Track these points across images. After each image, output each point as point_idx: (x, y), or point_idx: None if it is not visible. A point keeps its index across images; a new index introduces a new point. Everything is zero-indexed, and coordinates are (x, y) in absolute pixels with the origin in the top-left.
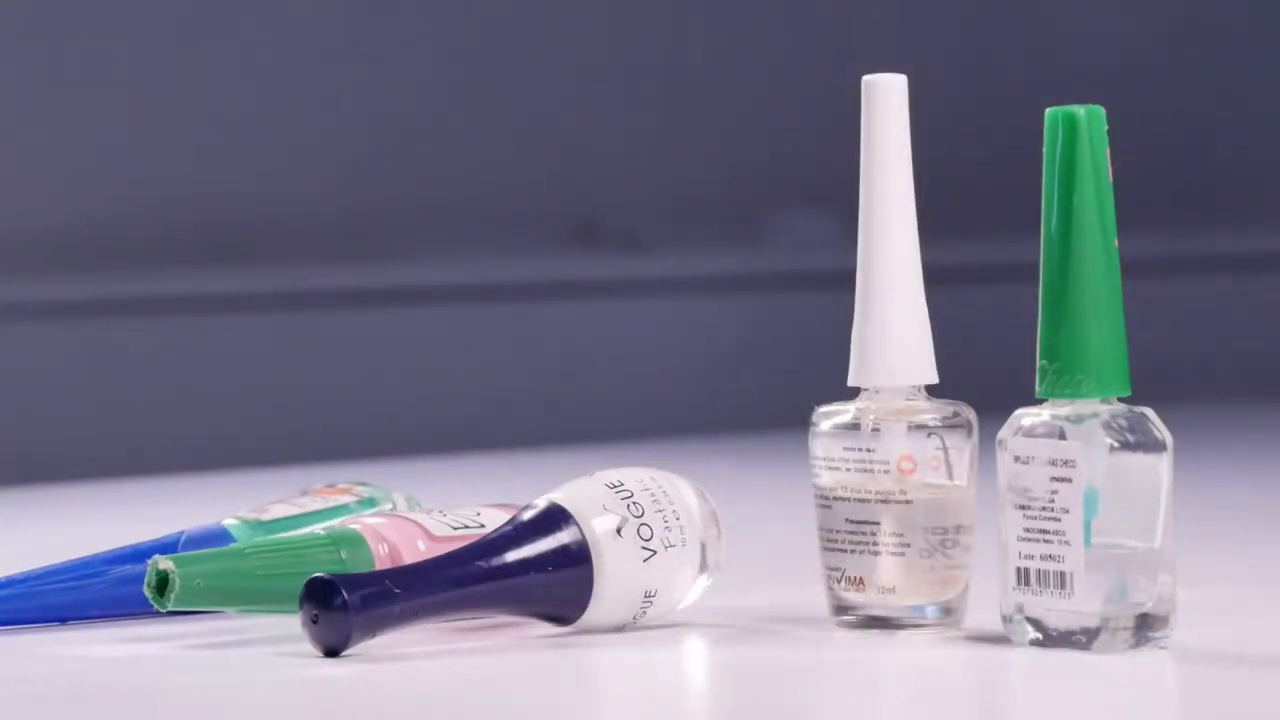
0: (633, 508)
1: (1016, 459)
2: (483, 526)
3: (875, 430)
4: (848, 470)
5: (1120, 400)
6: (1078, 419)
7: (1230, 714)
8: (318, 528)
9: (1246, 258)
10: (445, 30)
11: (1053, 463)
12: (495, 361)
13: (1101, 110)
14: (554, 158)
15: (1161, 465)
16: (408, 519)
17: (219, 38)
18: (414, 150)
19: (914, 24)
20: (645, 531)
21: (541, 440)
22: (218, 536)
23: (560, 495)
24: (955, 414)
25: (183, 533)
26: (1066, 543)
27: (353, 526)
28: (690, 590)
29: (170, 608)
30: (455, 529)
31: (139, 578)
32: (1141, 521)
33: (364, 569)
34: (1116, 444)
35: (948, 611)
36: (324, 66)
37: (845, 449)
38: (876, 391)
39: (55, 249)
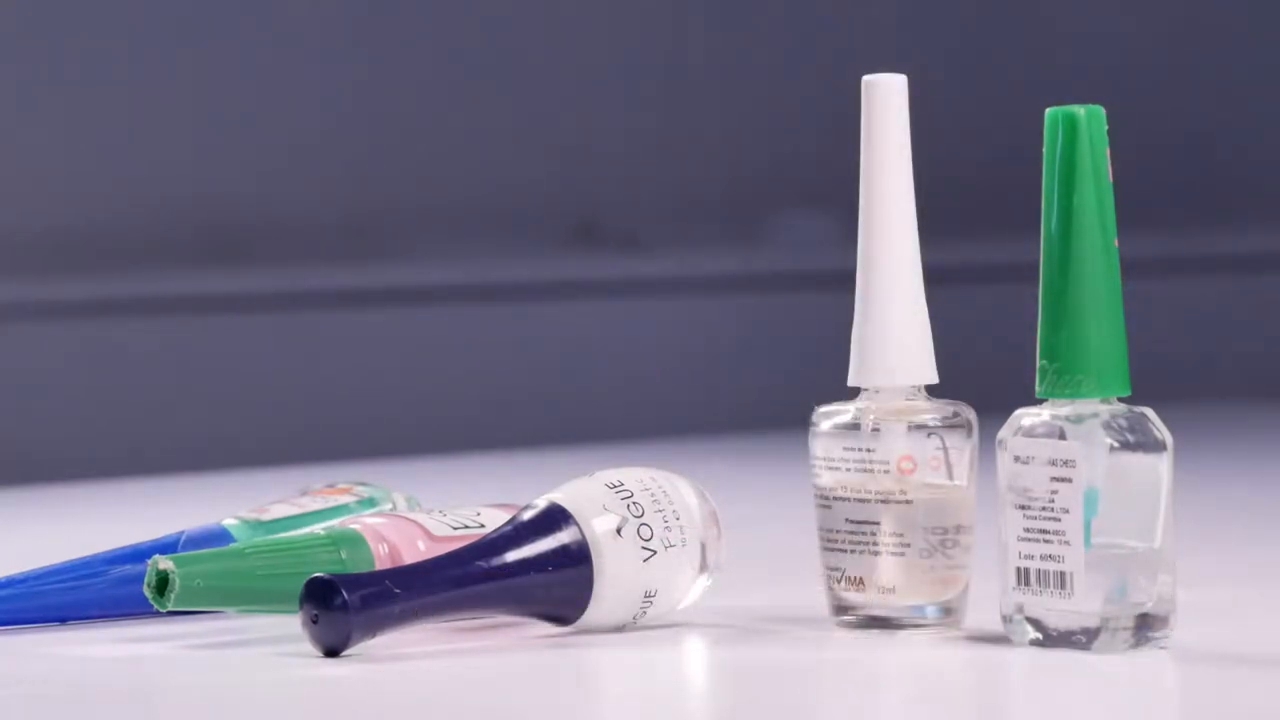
0: (633, 508)
1: (1016, 459)
2: (483, 526)
3: (875, 430)
4: (848, 470)
5: (1120, 400)
6: (1078, 419)
7: (1230, 714)
8: (318, 528)
9: (1246, 258)
10: (445, 30)
11: (1053, 463)
12: (495, 361)
13: (1101, 110)
14: (554, 158)
15: (1161, 465)
16: (408, 519)
17: (219, 38)
18: (414, 150)
19: (914, 24)
20: (645, 531)
21: (541, 440)
22: (218, 536)
23: (560, 495)
24: (955, 414)
25: (183, 533)
26: (1066, 543)
27: (353, 526)
28: (690, 590)
29: (170, 608)
30: (455, 529)
31: (139, 578)
32: (1141, 521)
33: (364, 569)
34: (1116, 444)
35: (948, 611)
36: (324, 66)
37: (845, 449)
38: (876, 391)
39: (55, 249)
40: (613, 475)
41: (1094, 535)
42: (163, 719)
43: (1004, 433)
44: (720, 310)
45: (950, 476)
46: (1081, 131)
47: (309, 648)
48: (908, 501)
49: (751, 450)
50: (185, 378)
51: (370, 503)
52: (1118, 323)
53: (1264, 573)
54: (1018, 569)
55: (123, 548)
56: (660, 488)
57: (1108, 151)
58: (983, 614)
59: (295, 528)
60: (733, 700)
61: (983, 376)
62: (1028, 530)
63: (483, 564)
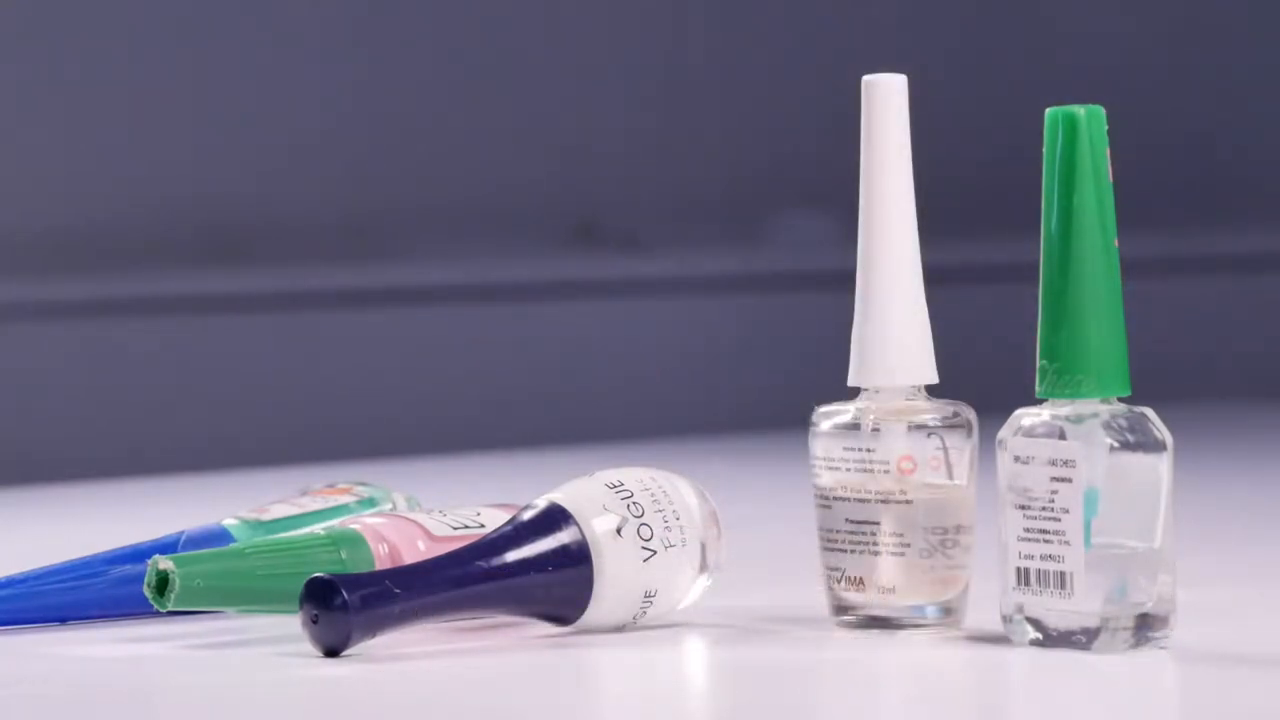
0: (633, 508)
1: (1016, 459)
2: (483, 526)
3: (875, 430)
4: (848, 470)
5: (1120, 400)
6: (1078, 419)
7: (1230, 714)
8: (318, 528)
9: (1246, 258)
10: (445, 30)
11: (1053, 463)
12: (495, 361)
13: (1101, 110)
14: (554, 158)
15: (1161, 465)
16: (408, 519)
17: (219, 38)
18: (414, 150)
19: (914, 24)
20: (645, 531)
21: (541, 440)
22: (218, 536)
23: (560, 495)
24: (955, 414)
25: (183, 533)
26: (1066, 543)
27: (353, 526)
28: (690, 590)
29: (170, 608)
30: (455, 529)
31: (139, 578)
32: (1141, 521)
33: (364, 569)
34: (1116, 444)
35: (948, 611)
36: (324, 66)
37: (845, 449)
38: (876, 391)
39: (55, 249)
40: (613, 475)
41: (1094, 535)
42: (163, 719)
43: (1004, 433)
44: (720, 310)
45: (950, 476)
46: (1081, 131)
47: (309, 648)
48: (908, 501)
49: (751, 450)
50: (185, 378)
51: (370, 503)
52: (1118, 323)
53: (1264, 573)
54: (1018, 569)
55: (123, 548)
56: (660, 488)
57: (1108, 151)
58: (983, 614)
59: (295, 528)
60: (733, 700)
61: (983, 376)
62: (1028, 530)
63: (483, 564)
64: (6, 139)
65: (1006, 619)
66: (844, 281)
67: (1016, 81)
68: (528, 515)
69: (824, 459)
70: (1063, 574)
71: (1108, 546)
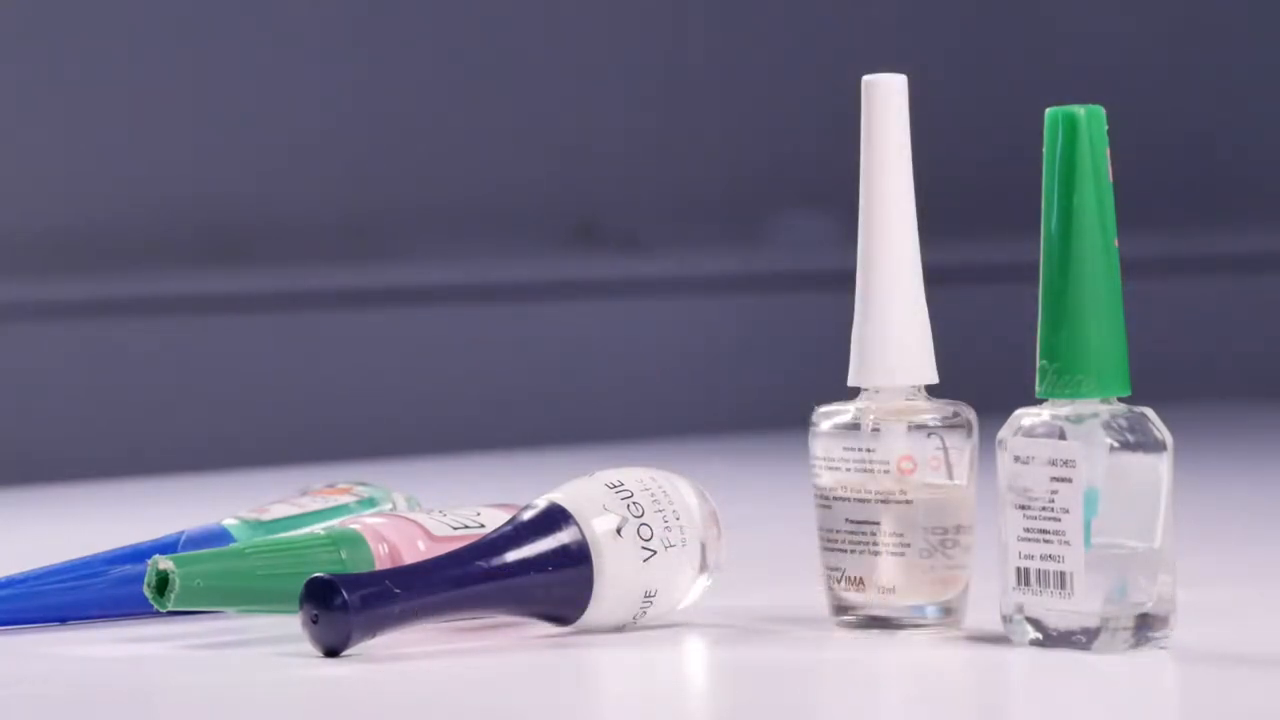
0: (633, 508)
1: (1016, 459)
2: (483, 526)
3: (875, 430)
4: (848, 470)
5: (1120, 400)
6: (1078, 419)
7: (1230, 714)
8: (318, 528)
9: (1246, 258)
10: (445, 30)
11: (1053, 463)
12: (495, 361)
13: (1101, 110)
14: (554, 158)
15: (1161, 465)
16: (408, 519)
17: (219, 38)
18: (414, 150)
19: (914, 24)
20: (645, 531)
21: (541, 440)
22: (218, 536)
23: (560, 495)
24: (955, 414)
25: (183, 533)
26: (1066, 543)
27: (353, 526)
28: (690, 590)
29: (170, 608)
30: (455, 529)
31: (139, 578)
32: (1141, 521)
33: (364, 569)
34: (1116, 444)
35: (948, 611)
36: (324, 66)
37: (845, 449)
38: (876, 391)
39: (55, 249)
40: (613, 475)
41: (1094, 535)
42: (163, 719)
43: (1004, 433)
44: (720, 310)
45: (950, 476)
46: (1081, 131)
47: (309, 648)
48: (908, 501)
49: (751, 450)
50: (185, 378)
51: (370, 503)
52: (1118, 323)
53: (1264, 573)
54: (1018, 569)
55: (123, 548)
56: (660, 488)
57: (1108, 151)
58: (983, 614)
59: (295, 528)
60: (733, 700)
61: (983, 376)
62: (1028, 530)
63: (483, 564)
64: (6, 139)
65: (1006, 619)
66: (844, 281)
67: (1016, 81)
68: (528, 515)
69: (824, 459)
70: (1063, 574)
71: (1108, 546)
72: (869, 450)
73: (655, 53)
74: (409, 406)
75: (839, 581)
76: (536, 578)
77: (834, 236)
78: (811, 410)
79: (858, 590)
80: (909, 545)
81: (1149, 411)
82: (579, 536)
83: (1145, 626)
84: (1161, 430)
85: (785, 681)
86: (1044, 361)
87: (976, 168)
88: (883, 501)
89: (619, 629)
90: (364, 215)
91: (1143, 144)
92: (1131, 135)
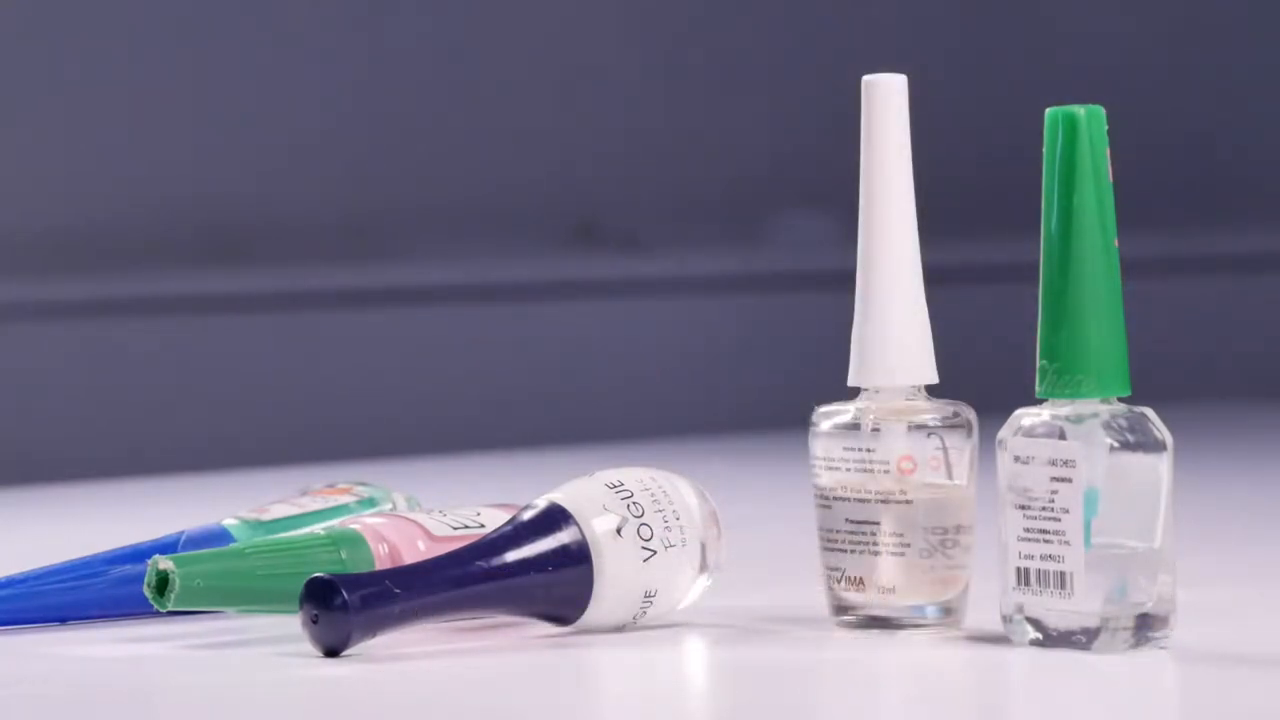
0: (633, 508)
1: (1016, 459)
2: (483, 526)
3: (875, 430)
4: (848, 470)
5: (1120, 400)
6: (1078, 419)
7: (1230, 714)
8: (318, 528)
9: (1246, 258)
10: (445, 30)
11: (1053, 463)
12: (495, 361)
13: (1101, 110)
14: (554, 158)
15: (1161, 465)
16: (408, 519)
17: (219, 38)
18: (414, 150)
19: (914, 24)
20: (645, 531)
21: (541, 440)
22: (218, 536)
23: (560, 495)
24: (955, 414)
25: (183, 533)
26: (1066, 543)
27: (353, 526)
28: (690, 590)
29: (170, 608)
30: (455, 529)
31: (139, 578)
32: (1141, 521)
33: (364, 569)
34: (1116, 444)
35: (948, 611)
36: (324, 66)
37: (845, 449)
38: (876, 391)
39: (55, 249)
40: (613, 475)
41: (1094, 535)
42: (163, 719)
43: (1004, 433)
44: (720, 310)
45: (950, 476)
46: (1081, 131)
47: (309, 648)
48: (908, 501)
49: (751, 450)
50: (185, 378)
51: (370, 503)
52: (1118, 323)
53: (1264, 573)
54: (1018, 569)
55: (123, 548)
56: (660, 488)
57: (1108, 151)
58: (983, 614)
59: (295, 528)
60: (733, 700)
61: (983, 376)
62: (1028, 530)
63: (483, 564)
64: (6, 139)
65: (1006, 619)
66: (844, 281)
67: (1016, 81)
68: (528, 515)
69: (824, 459)
70: (1063, 574)
71: (1108, 546)
72: (869, 450)
73: (655, 53)
74: (409, 406)
75: (839, 581)
76: (536, 578)
77: (834, 236)
78: (811, 410)
79: (858, 590)
80: (909, 545)
81: (1149, 411)
82: (579, 536)
83: (1145, 626)
84: (1161, 430)
85: (785, 681)
86: (1044, 361)
87: (976, 168)
88: (883, 501)
89: (619, 629)
90: (364, 215)
91: (1143, 144)
92: (1131, 135)
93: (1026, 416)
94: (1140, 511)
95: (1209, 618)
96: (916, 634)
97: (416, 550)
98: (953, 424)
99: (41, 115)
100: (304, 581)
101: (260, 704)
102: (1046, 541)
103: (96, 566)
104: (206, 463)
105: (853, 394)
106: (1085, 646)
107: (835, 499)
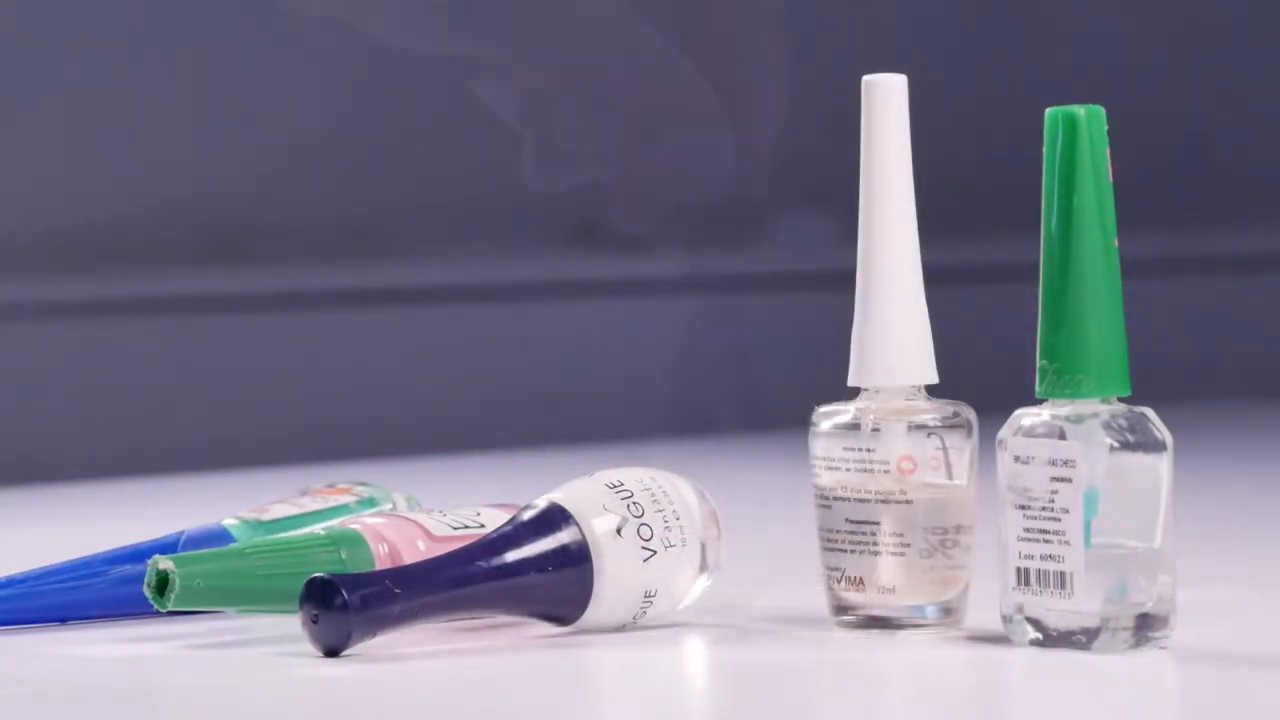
0: (633, 508)
1: (1016, 459)
2: (483, 526)
3: (875, 430)
4: (848, 470)
5: (1120, 400)
6: (1078, 419)
7: (1230, 714)
8: (318, 528)
9: (1246, 258)
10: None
11: (1053, 463)
12: (495, 361)
13: (1101, 110)
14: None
15: (1161, 465)
16: (408, 519)
17: (219, 38)
18: (414, 150)
19: (914, 24)
20: (645, 531)
21: (541, 440)
22: (218, 536)
23: (560, 495)
24: (955, 414)
25: (183, 533)
26: (1066, 543)
27: (353, 526)
28: (690, 590)
29: (170, 608)
30: (455, 529)
31: (139, 578)
32: (1141, 521)
33: (364, 569)
34: (1116, 444)
35: (948, 611)
36: (324, 66)
37: (845, 449)
38: (876, 391)
39: (55, 249)
40: (613, 475)
41: (1094, 535)
42: (163, 719)
43: (1004, 433)
44: (720, 310)
45: (950, 476)
46: (1081, 131)
47: (309, 648)
48: (908, 501)
49: (751, 450)
50: (185, 378)
51: (370, 503)
52: (1118, 323)
53: (1264, 573)
54: (1018, 569)
55: (123, 548)
56: (660, 488)
57: (1108, 151)
58: (983, 614)
59: (295, 528)
60: (733, 700)
61: (983, 376)
62: (1028, 530)
63: (483, 564)
64: (6, 139)
65: (1006, 619)
66: (844, 281)
67: (1016, 81)
68: (527, 515)
69: (824, 459)
70: (1063, 574)
71: (1108, 546)
72: (869, 450)
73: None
74: (409, 406)
75: (839, 581)
76: (536, 578)
77: (834, 236)
78: (811, 410)
79: (858, 590)
80: (909, 545)
81: (1149, 411)
82: (579, 536)
83: (1145, 626)
84: (1161, 430)
85: (785, 681)
86: (1044, 361)
87: (976, 168)
88: (883, 501)
89: (619, 629)
90: (364, 215)
91: (1143, 144)
92: (1131, 135)
93: (1026, 416)
94: (1140, 511)
95: (1209, 618)
96: (916, 634)
97: (416, 550)
98: (953, 424)
99: (41, 115)
100: (304, 581)
101: (260, 704)
102: (1046, 541)
103: (96, 566)
104: (206, 463)
105: (853, 394)
106: (1085, 646)
107: (835, 499)
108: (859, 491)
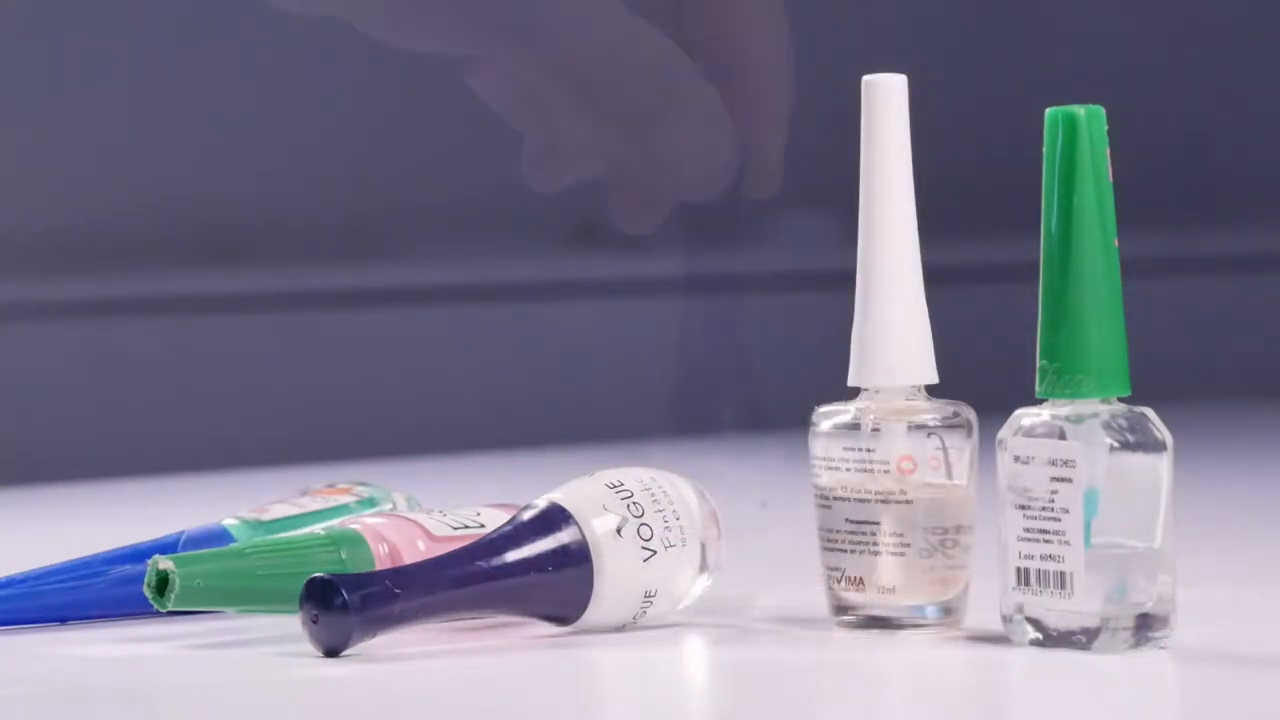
0: (633, 508)
1: (1016, 459)
2: (483, 526)
3: (875, 430)
4: (848, 470)
5: (1120, 400)
6: (1078, 419)
7: (1230, 714)
8: (318, 528)
9: (1246, 258)
10: None
11: (1053, 463)
12: (495, 361)
13: (1101, 110)
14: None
15: (1161, 465)
16: (408, 519)
17: (219, 38)
18: (414, 150)
19: (914, 24)
20: (645, 531)
21: (541, 440)
22: (218, 536)
23: (560, 495)
24: (955, 414)
25: (183, 533)
26: (1066, 543)
27: (353, 526)
28: (690, 590)
29: (170, 608)
30: (455, 529)
31: (139, 578)
32: (1141, 521)
33: (364, 569)
34: (1116, 444)
35: (948, 611)
36: (324, 66)
37: (845, 449)
38: (876, 391)
39: (55, 249)
40: (613, 475)
41: (1094, 535)
42: (162, 719)
43: (1004, 433)
44: (720, 310)
45: (950, 476)
46: (1081, 131)
47: (309, 648)
48: (908, 501)
49: (751, 450)
50: (185, 378)
51: (370, 503)
52: (1118, 323)
53: (1264, 573)
54: (1018, 569)
55: (123, 548)
56: (660, 488)
57: (1108, 151)
58: (983, 614)
59: (295, 528)
60: (733, 700)
61: (983, 376)
62: (1028, 530)
63: (483, 564)
64: (6, 139)
65: (1006, 619)
66: (844, 281)
67: (1016, 81)
68: (527, 515)
69: (824, 459)
70: (1063, 574)
71: (1108, 546)
72: (869, 450)
73: None
74: (409, 406)
75: (839, 581)
76: (536, 578)
77: (834, 236)
78: (811, 410)
79: (858, 590)
80: (909, 545)
81: (1149, 411)
82: (579, 536)
83: (1145, 626)
84: (1161, 430)
85: (785, 681)
86: (1044, 361)
87: (976, 168)
88: (883, 501)
89: (619, 629)
90: (364, 215)
91: (1143, 144)
92: (1131, 135)
93: (1026, 416)
94: (1140, 511)
95: (1209, 618)
96: (916, 634)
97: (416, 550)
98: (953, 424)
99: (41, 115)
100: (304, 581)
101: (260, 704)
102: (1046, 541)
103: (96, 566)
104: (206, 463)
105: (853, 394)
106: (1085, 646)
107: (835, 499)
108: (859, 491)
